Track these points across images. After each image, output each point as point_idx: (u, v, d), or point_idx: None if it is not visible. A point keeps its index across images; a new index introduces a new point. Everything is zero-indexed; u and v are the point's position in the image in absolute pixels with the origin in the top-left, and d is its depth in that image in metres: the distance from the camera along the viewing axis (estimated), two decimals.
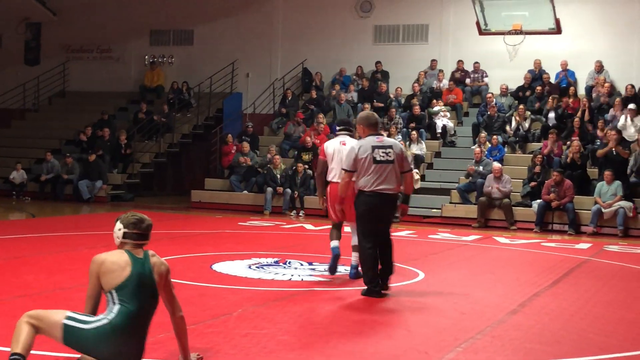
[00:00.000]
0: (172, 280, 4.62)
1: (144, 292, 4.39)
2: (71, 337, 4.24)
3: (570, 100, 18.20)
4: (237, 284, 7.61)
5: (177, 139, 21.86)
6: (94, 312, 4.40)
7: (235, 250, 9.15)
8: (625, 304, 7.44)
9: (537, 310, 6.93)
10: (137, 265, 4.39)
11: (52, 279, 7.60)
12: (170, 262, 8.82)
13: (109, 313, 4.29)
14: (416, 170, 17.26)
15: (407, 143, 17.79)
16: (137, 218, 4.50)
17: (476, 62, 20.44)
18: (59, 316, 4.27)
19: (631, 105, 16.64)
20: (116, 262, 4.36)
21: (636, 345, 5.73)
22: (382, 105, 19.70)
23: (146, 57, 24.20)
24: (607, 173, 14.82)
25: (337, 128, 8.75)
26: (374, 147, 7.32)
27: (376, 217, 7.38)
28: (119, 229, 4.47)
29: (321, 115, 18.92)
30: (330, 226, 8.48)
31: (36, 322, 4.23)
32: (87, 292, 4.41)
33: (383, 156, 7.32)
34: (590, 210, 14.79)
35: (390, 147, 7.41)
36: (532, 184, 15.67)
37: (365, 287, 7.28)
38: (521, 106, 18.16)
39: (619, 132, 15.89)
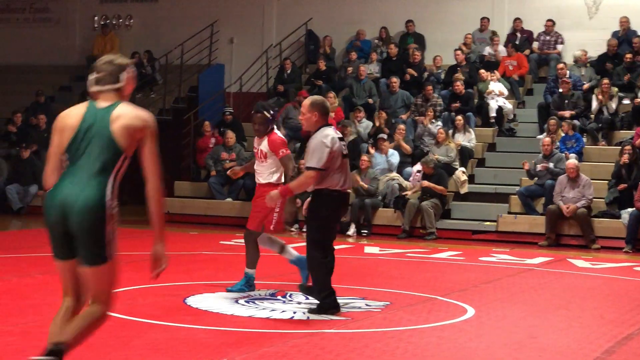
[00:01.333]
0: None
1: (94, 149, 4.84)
2: None
3: None
4: (220, 324, 7.61)
5: None
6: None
7: (216, 279, 9.13)
8: None
9: (629, 357, 6.90)
10: (91, 117, 4.88)
11: None
12: (130, 294, 8.88)
13: None
14: (462, 169, 17.28)
15: (450, 131, 17.80)
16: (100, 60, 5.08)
17: (549, 20, 20.39)
18: None
19: None
20: (70, 115, 4.93)
21: None
22: (415, 79, 19.73)
23: (95, 18, 24.31)
24: None
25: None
26: (339, 139, 8.28)
27: (337, 222, 8.62)
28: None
29: (332, 94, 18.97)
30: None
31: None
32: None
33: (345, 150, 8.34)
34: None
35: (343, 138, 8.51)
36: (621, 186, 15.64)
37: (322, 305, 8.10)
38: (605, 80, 18.11)
39: None
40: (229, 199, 17.98)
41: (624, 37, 19.66)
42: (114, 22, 24.19)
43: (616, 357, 6.93)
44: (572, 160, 15.87)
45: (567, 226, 15.65)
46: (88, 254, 4.81)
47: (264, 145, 9.15)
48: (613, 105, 18.06)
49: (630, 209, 15.16)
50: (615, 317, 8.70)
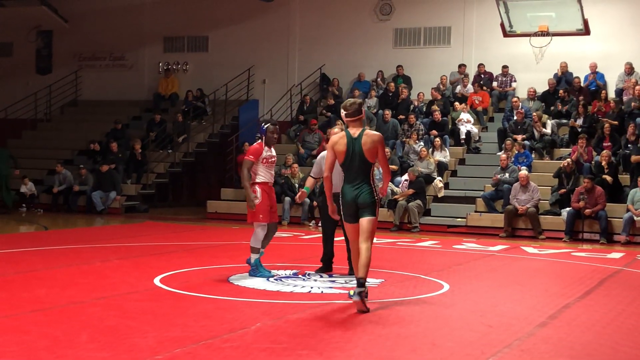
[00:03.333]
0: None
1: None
2: None
3: (601, 103, 18.07)
4: (255, 297, 7.61)
5: (193, 148, 21.96)
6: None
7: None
8: None
9: (568, 322, 6.86)
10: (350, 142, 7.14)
11: (65, 293, 7.64)
12: (186, 274, 8.90)
13: None
14: (440, 179, 17.25)
15: (430, 150, 17.77)
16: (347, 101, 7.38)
17: (505, 66, 20.38)
18: None
19: None
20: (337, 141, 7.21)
21: None
22: (404, 110, 19.70)
23: (160, 64, 24.38)
24: None
25: None
26: None
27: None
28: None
29: (339, 122, 18.87)
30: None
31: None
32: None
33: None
34: (622, 218, 14.66)
35: None
36: (562, 191, 15.58)
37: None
38: (535, 112, 18.08)
39: None
40: None
41: (560, 77, 19.61)
42: (174, 67, 24.25)
43: (557, 321, 6.89)
44: (523, 171, 15.80)
45: (520, 222, 15.58)
46: (367, 213, 7.01)
47: (273, 152, 9.13)
48: (548, 129, 17.98)
49: (568, 208, 15.10)
50: (557, 291, 8.66)
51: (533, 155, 17.49)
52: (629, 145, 16.48)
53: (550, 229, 15.34)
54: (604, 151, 15.95)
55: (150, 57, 24.56)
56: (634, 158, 15.66)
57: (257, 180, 8.96)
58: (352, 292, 6.97)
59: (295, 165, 17.79)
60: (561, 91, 18.91)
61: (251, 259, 8.94)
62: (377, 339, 5.98)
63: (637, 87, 18.03)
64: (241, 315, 6.75)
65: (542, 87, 19.66)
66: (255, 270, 8.87)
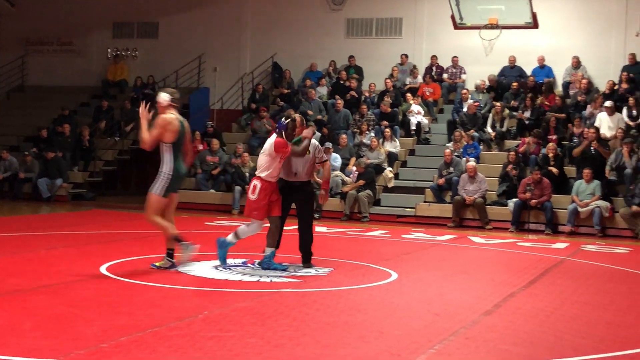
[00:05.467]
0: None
1: None
2: None
3: (548, 97, 18.36)
4: (203, 286, 7.58)
5: None
6: None
7: (201, 251, 9.12)
8: (602, 305, 7.53)
9: (512, 311, 6.98)
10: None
11: (9, 281, 7.51)
12: (134, 263, 8.81)
13: None
14: (390, 169, 17.36)
15: (381, 140, 17.86)
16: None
17: (455, 57, 20.56)
18: None
19: (607, 103, 16.84)
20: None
21: (612, 346, 5.80)
22: (354, 101, 19.75)
23: (109, 50, 24.04)
24: (586, 171, 14.97)
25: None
26: None
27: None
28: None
29: (292, 111, 18.87)
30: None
31: None
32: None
33: None
34: (567, 209, 14.94)
35: None
36: (513, 174, 15.70)
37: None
38: (498, 104, 18.28)
39: (597, 130, 16.06)
40: (212, 190, 17.89)
41: (511, 70, 19.87)
42: (124, 54, 23.94)
43: (502, 310, 7.00)
44: (471, 163, 15.99)
45: (468, 212, 15.78)
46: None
47: None
48: (505, 122, 18.22)
49: (514, 199, 15.33)
50: (503, 280, 8.79)
51: (482, 147, 17.69)
52: (574, 138, 16.79)
53: (497, 219, 15.55)
54: (550, 144, 16.21)
55: (98, 42, 24.20)
56: (575, 151, 15.96)
57: (265, 178, 8.44)
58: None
59: (246, 154, 17.73)
60: (514, 84, 19.09)
61: (226, 240, 8.79)
62: (324, 327, 6.01)
63: (583, 81, 18.37)
64: (189, 303, 6.72)
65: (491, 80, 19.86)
66: (223, 256, 8.81)
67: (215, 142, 18.30)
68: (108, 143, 21.08)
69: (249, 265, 8.99)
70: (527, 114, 17.99)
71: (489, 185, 15.88)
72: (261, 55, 22.39)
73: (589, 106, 17.61)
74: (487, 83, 19.65)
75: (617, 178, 15.38)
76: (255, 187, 8.50)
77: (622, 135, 16.00)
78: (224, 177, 17.77)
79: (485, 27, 18.92)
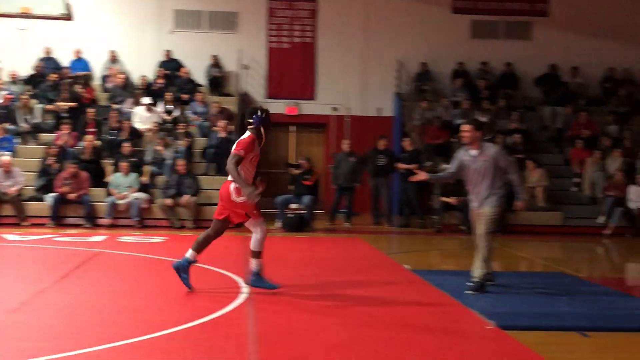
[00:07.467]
0: None
1: None
2: None
3: (86, 89, 18.38)
4: None
5: None
6: None
7: None
8: (130, 293, 7.82)
9: (40, 307, 6.92)
10: None
11: None
12: None
13: None
14: None
15: None
16: None
17: None
18: None
19: (145, 99, 17.49)
20: None
21: (135, 332, 6.05)
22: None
23: None
24: (124, 164, 15.33)
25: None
26: None
27: None
28: None
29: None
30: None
31: None
32: None
33: None
34: (106, 202, 15.15)
35: None
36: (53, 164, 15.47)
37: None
38: (24, 96, 17.75)
39: (133, 124, 16.55)
40: None
41: (49, 61, 19.41)
42: None
43: (29, 307, 6.91)
44: (6, 157, 15.37)
45: (4, 208, 15.11)
46: None
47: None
48: (37, 114, 17.77)
49: (53, 194, 15.10)
50: (33, 277, 8.66)
51: (19, 141, 17.05)
52: (112, 131, 17.08)
53: (37, 215, 15.15)
54: (88, 136, 16.29)
55: None
56: (121, 145, 16.31)
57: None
58: None
59: None
60: (53, 75, 18.64)
61: (253, 265, 7.73)
62: None
63: (119, 75, 18.77)
64: None
65: (28, 71, 19.22)
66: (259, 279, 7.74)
67: None
68: None
69: None
70: (65, 106, 17.77)
71: (27, 180, 15.38)
72: None
73: (127, 100, 18.04)
74: (23, 74, 18.96)
75: (159, 170, 16.04)
76: (236, 189, 7.47)
77: (158, 129, 16.72)
78: None
79: (18, 15, 18.23)
